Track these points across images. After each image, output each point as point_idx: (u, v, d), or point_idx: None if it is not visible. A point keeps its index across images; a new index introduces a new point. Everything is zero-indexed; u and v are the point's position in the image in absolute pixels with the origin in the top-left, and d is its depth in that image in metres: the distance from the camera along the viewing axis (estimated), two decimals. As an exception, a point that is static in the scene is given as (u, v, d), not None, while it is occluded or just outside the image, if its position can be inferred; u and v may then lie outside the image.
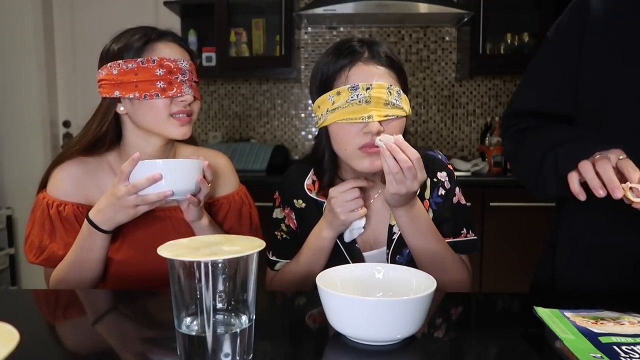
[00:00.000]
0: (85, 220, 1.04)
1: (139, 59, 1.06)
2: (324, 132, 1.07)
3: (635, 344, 0.65)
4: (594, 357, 0.62)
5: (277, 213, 1.19)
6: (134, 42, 1.07)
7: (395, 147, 0.92)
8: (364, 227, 1.08)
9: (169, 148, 1.18)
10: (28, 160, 3.06)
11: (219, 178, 1.22)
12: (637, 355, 0.62)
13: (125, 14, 3.10)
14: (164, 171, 0.97)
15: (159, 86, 1.05)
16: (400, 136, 0.95)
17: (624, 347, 0.64)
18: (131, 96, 1.06)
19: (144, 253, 1.10)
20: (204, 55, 2.88)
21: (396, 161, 0.92)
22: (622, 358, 0.62)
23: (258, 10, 2.97)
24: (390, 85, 1.00)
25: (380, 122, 0.99)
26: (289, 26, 2.82)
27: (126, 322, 0.85)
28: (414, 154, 0.93)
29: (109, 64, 1.08)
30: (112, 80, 1.07)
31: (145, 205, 0.99)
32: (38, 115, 3.08)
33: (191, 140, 1.25)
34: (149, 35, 1.09)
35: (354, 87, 0.99)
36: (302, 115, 3.18)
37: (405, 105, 1.02)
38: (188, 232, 1.10)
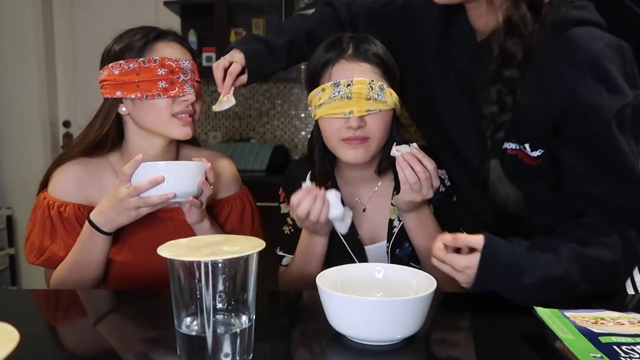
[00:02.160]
0: (87, 221, 1.04)
1: (140, 59, 1.06)
2: (315, 126, 1.11)
3: (635, 344, 0.65)
4: (594, 357, 0.62)
5: (283, 208, 1.20)
6: (135, 42, 1.07)
7: (412, 158, 0.95)
8: (350, 214, 1.04)
9: (172, 148, 1.18)
10: (28, 160, 3.06)
11: (221, 179, 1.22)
12: (637, 355, 0.62)
13: (126, 14, 3.10)
14: (166, 173, 0.96)
15: (160, 86, 1.05)
16: (416, 145, 0.98)
17: (624, 347, 0.64)
18: (133, 96, 1.05)
19: (145, 255, 1.09)
20: (204, 55, 2.88)
21: (413, 171, 0.95)
22: (622, 358, 0.62)
23: (258, 10, 2.96)
24: (372, 81, 1.02)
25: (362, 116, 1.02)
26: (289, 26, 2.82)
27: (126, 322, 0.85)
28: (431, 163, 0.96)
29: (110, 65, 1.08)
30: (114, 81, 1.07)
31: (147, 208, 0.99)
32: (38, 115, 3.08)
33: (193, 141, 1.25)
34: (150, 35, 1.09)
35: (335, 83, 1.02)
36: (302, 115, 3.18)
37: (389, 99, 1.04)
38: (189, 233, 1.10)
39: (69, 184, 1.12)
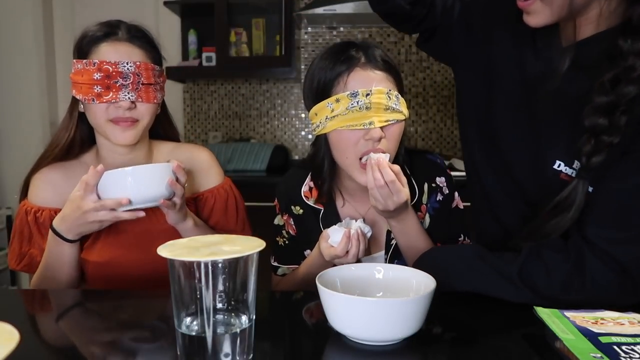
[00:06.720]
0: (50, 229, 1.02)
1: (84, 60, 1.05)
2: (322, 140, 1.07)
3: (635, 344, 0.65)
4: (594, 357, 0.62)
5: (278, 220, 1.19)
6: (83, 42, 1.07)
7: (375, 165, 0.95)
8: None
9: (142, 145, 1.14)
10: (28, 160, 3.02)
11: (201, 172, 1.20)
12: (637, 355, 0.62)
13: (126, 14, 3.03)
14: (131, 182, 0.94)
15: (95, 90, 1.03)
16: (389, 156, 0.98)
17: (624, 347, 0.64)
18: (78, 97, 1.05)
19: (122, 253, 1.07)
20: (204, 55, 2.88)
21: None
22: (622, 358, 0.62)
23: (258, 10, 2.96)
24: (390, 90, 1.00)
25: (381, 127, 0.99)
26: (289, 26, 2.82)
27: (126, 322, 0.85)
28: (389, 175, 0.94)
29: (73, 61, 1.08)
30: (72, 79, 1.07)
31: (113, 219, 0.97)
32: (38, 115, 3.08)
33: (173, 136, 1.23)
34: (96, 34, 1.07)
35: (353, 93, 0.98)
36: (302, 115, 3.18)
37: (404, 108, 1.02)
38: (167, 228, 1.07)
39: (47, 189, 1.11)
